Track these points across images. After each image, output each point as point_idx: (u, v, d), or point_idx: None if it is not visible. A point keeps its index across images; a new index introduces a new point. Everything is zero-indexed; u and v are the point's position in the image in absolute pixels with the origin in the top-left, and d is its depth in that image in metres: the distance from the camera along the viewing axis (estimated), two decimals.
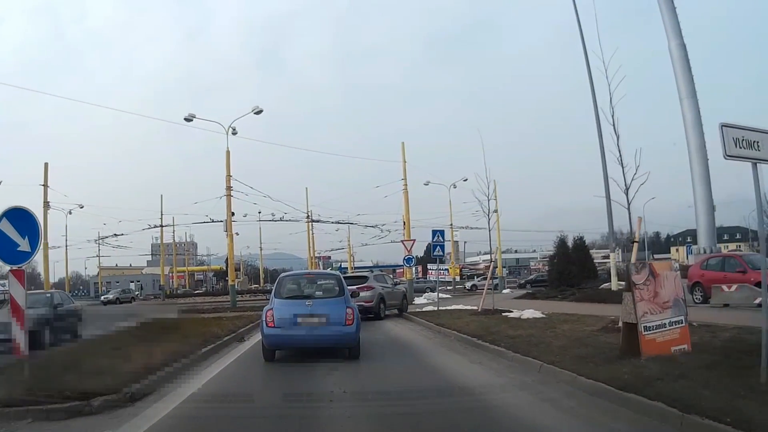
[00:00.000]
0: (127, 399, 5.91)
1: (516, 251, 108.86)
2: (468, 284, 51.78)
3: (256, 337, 12.39)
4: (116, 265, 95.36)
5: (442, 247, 17.93)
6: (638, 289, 7.16)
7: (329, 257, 73.91)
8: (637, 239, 10.15)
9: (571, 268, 25.10)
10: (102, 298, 48.29)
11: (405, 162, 26.11)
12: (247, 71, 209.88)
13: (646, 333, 7.06)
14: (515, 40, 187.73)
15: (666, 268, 7.60)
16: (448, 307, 18.59)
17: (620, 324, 9.83)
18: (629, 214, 10.40)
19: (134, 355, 7.89)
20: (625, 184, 10.38)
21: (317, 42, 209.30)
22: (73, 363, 7.36)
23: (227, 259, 29.21)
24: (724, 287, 14.56)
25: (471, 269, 78.24)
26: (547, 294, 22.69)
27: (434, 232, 17.92)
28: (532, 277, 55.35)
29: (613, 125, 10.74)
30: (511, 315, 13.89)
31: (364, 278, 17.48)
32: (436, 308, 17.86)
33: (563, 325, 10.95)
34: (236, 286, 41.51)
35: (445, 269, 70.67)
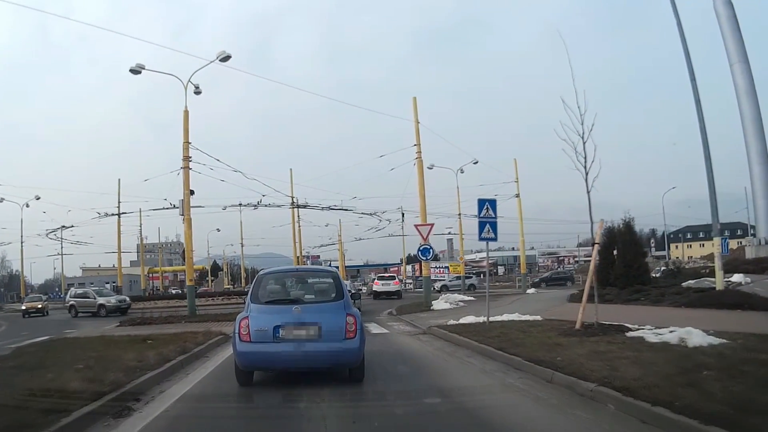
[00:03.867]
0: None
1: (513, 248, 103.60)
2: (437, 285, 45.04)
3: (168, 396, 6.09)
4: (99, 266, 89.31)
5: (494, 226, 11.60)
6: None
7: (318, 256, 68.14)
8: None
9: (639, 261, 18.97)
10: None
11: (417, 122, 19.72)
12: (234, 68, 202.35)
13: None
14: (506, 38, 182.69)
15: None
16: (499, 318, 12.30)
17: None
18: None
19: None
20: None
21: (306, 39, 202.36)
22: None
23: (183, 251, 22.68)
24: None
25: (473, 266, 72.41)
26: (621, 296, 16.28)
27: (481, 203, 11.60)
28: (547, 274, 49.94)
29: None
30: (652, 338, 7.64)
31: None
32: (485, 320, 11.58)
33: None
34: (198, 288, 35.61)
35: (445, 267, 64.68)
